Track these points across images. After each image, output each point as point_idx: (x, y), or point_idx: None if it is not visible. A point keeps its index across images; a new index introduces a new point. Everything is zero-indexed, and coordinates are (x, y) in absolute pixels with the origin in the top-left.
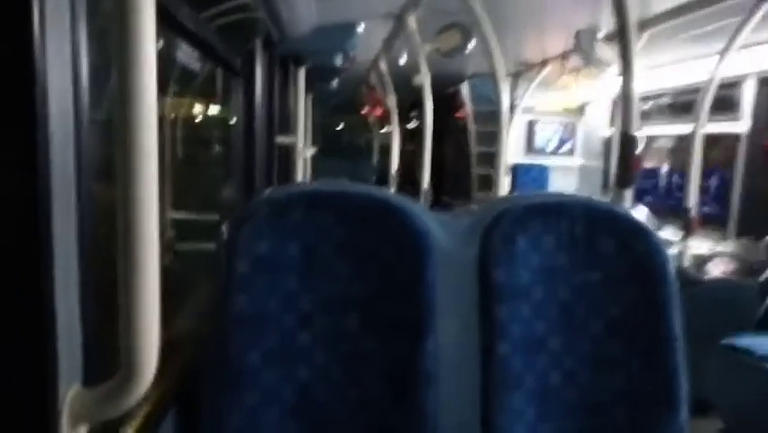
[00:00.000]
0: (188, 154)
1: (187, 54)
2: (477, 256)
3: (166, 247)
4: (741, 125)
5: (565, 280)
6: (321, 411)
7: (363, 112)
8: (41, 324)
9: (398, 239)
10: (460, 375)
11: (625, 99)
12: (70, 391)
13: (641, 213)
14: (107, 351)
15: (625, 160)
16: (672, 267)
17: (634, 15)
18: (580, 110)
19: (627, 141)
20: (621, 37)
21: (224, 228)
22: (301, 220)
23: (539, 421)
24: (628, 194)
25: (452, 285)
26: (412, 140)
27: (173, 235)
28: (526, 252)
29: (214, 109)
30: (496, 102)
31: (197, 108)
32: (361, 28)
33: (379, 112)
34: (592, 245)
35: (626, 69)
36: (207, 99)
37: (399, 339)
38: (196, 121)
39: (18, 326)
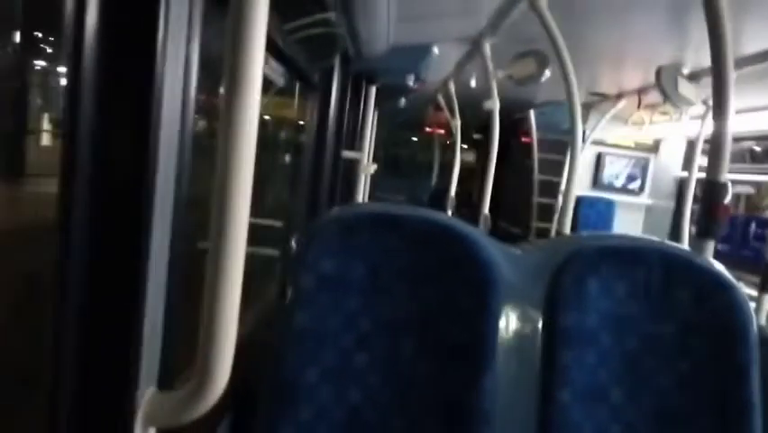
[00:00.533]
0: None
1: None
2: (544, 295)
3: None
4: None
5: (635, 330)
6: None
7: (427, 130)
8: (129, 329)
9: (463, 269)
10: (515, 417)
11: (715, 143)
12: (147, 394)
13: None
14: (179, 358)
15: (710, 208)
16: (755, 327)
17: (731, 53)
18: (654, 147)
19: (715, 188)
20: (716, 76)
21: (293, 242)
22: (367, 241)
23: None
24: (711, 245)
25: (515, 321)
26: (471, 161)
27: None
28: (597, 296)
29: (287, 113)
30: (571, 132)
31: (269, 113)
32: (435, 50)
33: (442, 133)
34: (667, 295)
35: (720, 111)
36: (280, 105)
37: (456, 370)
38: (267, 125)
39: (108, 328)
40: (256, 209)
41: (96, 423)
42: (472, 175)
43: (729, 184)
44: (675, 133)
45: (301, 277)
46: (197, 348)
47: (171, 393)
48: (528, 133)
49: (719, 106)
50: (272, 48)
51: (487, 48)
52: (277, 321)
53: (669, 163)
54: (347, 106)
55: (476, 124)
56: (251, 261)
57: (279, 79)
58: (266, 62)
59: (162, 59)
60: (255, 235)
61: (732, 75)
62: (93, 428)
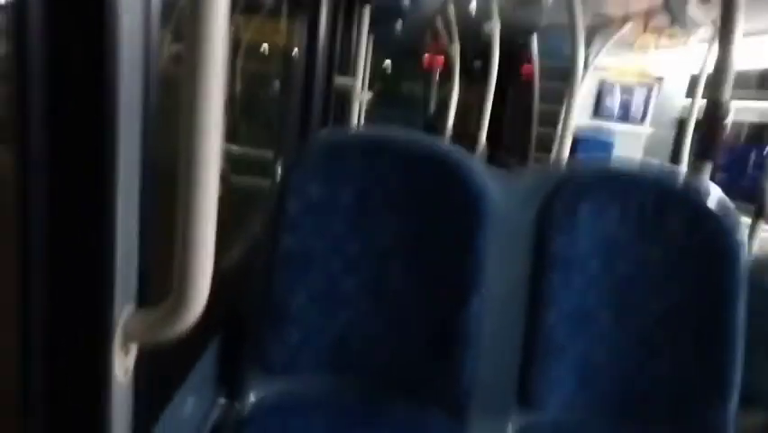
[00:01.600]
0: (247, 86)
1: None
2: (534, 220)
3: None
4: None
5: (625, 255)
6: (358, 356)
7: (424, 60)
8: (101, 243)
9: (454, 193)
10: (501, 338)
11: (720, 63)
12: (124, 311)
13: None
14: (159, 275)
15: (710, 130)
16: (744, 254)
17: None
18: (656, 76)
19: (717, 108)
20: None
21: (279, 166)
22: (356, 165)
23: (577, 395)
24: (708, 166)
25: (505, 246)
26: (469, 90)
27: (227, 168)
28: (588, 221)
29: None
30: (571, 57)
31: (259, 36)
32: None
33: (440, 61)
34: (660, 221)
35: (726, 32)
36: (270, 27)
37: (444, 294)
38: (257, 51)
39: (79, 244)
40: (245, 139)
41: (71, 340)
42: (470, 104)
43: (730, 103)
44: (680, 61)
45: (287, 201)
46: (174, 264)
47: (150, 311)
48: (530, 61)
49: (726, 26)
50: None
51: None
52: (264, 246)
53: (671, 92)
54: (339, 29)
55: (476, 52)
56: (240, 192)
57: None
58: None
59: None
60: (245, 166)
61: None
62: (69, 344)
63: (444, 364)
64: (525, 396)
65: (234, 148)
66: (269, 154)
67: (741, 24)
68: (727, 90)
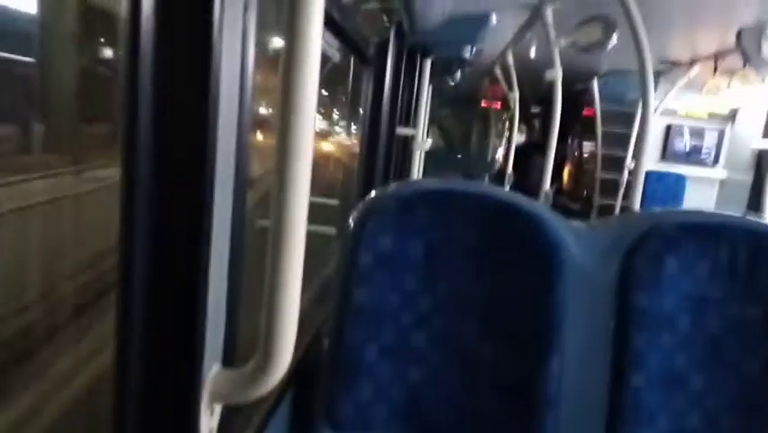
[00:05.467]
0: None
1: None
2: (616, 275)
3: None
4: None
5: (718, 313)
6: (430, 415)
7: (483, 105)
8: (195, 306)
9: (528, 247)
10: (583, 402)
11: None
12: (212, 371)
13: None
14: (240, 336)
15: None
16: None
17: None
18: (730, 116)
19: None
20: None
21: (351, 219)
22: (427, 218)
23: None
24: None
25: (584, 303)
26: (528, 135)
27: None
28: (675, 276)
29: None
30: (642, 102)
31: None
32: (493, 19)
33: (498, 106)
34: (755, 276)
35: None
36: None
37: (521, 353)
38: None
39: (174, 306)
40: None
41: (162, 400)
42: (530, 151)
43: None
44: (755, 101)
45: (359, 254)
46: (260, 326)
47: (236, 371)
48: (591, 105)
49: None
50: (329, 21)
51: (549, 14)
52: (335, 298)
53: (746, 134)
54: (402, 82)
55: (534, 97)
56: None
57: (335, 54)
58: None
59: (219, 29)
60: (311, 214)
61: None
62: (160, 404)
63: (523, 426)
64: None
65: None
66: (331, 202)
67: None
68: None
